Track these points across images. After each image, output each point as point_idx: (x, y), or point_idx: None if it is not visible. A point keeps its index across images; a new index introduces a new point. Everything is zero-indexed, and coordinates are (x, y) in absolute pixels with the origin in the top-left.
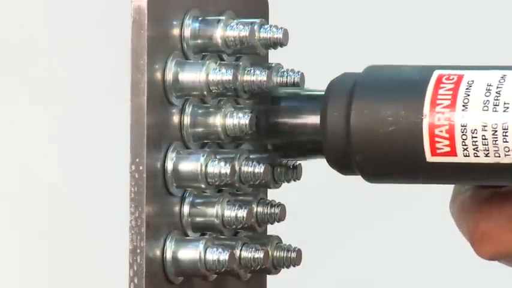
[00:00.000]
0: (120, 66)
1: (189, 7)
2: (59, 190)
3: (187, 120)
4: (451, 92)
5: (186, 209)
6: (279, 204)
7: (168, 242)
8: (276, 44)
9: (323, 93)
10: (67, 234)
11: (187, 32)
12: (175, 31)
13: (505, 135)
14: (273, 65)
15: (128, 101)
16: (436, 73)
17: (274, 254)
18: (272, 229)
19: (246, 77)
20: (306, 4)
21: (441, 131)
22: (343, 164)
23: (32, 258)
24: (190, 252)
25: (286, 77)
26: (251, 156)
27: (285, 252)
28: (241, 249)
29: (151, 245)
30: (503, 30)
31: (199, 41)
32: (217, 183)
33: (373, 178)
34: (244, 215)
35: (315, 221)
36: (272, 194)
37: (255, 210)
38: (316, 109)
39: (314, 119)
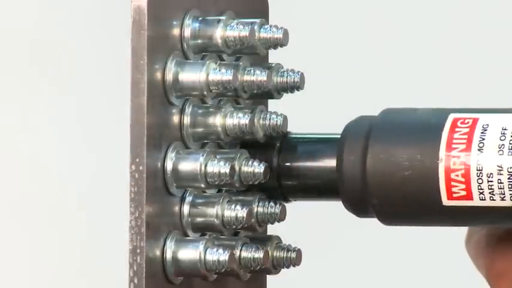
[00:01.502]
0: (120, 66)
1: (189, 7)
2: (59, 190)
3: (187, 120)
4: (466, 136)
5: (186, 209)
6: (279, 204)
7: (168, 242)
8: (276, 44)
9: (338, 136)
10: (67, 234)
11: (187, 32)
12: (175, 31)
13: None
14: (273, 65)
15: (128, 101)
16: (452, 117)
17: (274, 254)
18: (272, 229)
19: (246, 77)
20: (306, 4)
21: (457, 175)
22: (359, 207)
23: (32, 258)
24: (190, 253)
25: (286, 77)
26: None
27: (285, 252)
28: (241, 249)
29: (151, 245)
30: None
31: (199, 41)
32: (216, 182)
33: (389, 221)
34: (244, 215)
35: (315, 221)
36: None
37: (255, 210)
38: (332, 153)
39: (330, 163)
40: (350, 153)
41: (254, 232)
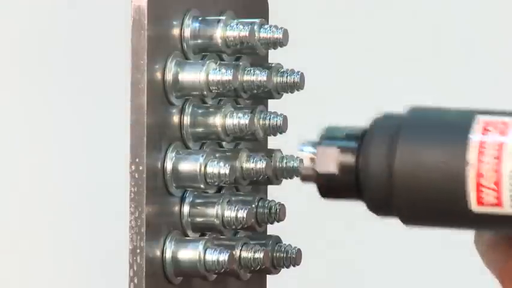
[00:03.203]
0: (120, 66)
1: (189, 7)
2: (59, 190)
3: (187, 120)
4: (498, 142)
5: (186, 209)
6: (279, 204)
7: (168, 242)
8: (276, 44)
9: (361, 132)
10: (67, 234)
11: (187, 32)
12: (175, 31)
13: None
14: (273, 65)
15: (128, 101)
16: (482, 120)
17: (274, 254)
18: (272, 229)
19: (246, 77)
20: (306, 4)
21: (488, 182)
22: (382, 206)
23: (32, 258)
24: (190, 253)
25: (286, 77)
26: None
27: (285, 252)
28: (241, 249)
29: (151, 245)
30: None
31: (199, 41)
32: (216, 183)
33: (411, 222)
34: (244, 216)
35: (315, 221)
36: (272, 194)
37: (255, 210)
38: (356, 149)
39: (352, 159)
40: (377, 152)
41: (254, 232)
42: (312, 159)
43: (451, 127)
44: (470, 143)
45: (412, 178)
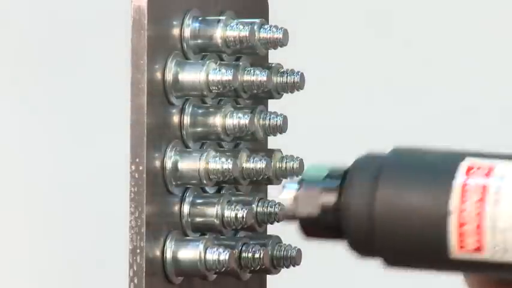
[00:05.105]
0: (120, 66)
1: (189, 7)
2: (59, 190)
3: (187, 120)
4: (481, 187)
5: (186, 208)
6: (279, 204)
7: (168, 242)
8: (276, 44)
9: (343, 172)
10: (67, 234)
11: (187, 32)
12: (175, 31)
13: None
14: (273, 65)
15: (128, 101)
16: (465, 163)
17: (274, 254)
18: (272, 229)
19: (246, 77)
20: (306, 4)
21: (469, 228)
22: (364, 248)
23: (32, 259)
24: (190, 252)
25: (286, 77)
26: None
27: (285, 252)
28: (241, 249)
29: (151, 245)
30: None
31: (199, 41)
32: (221, 179)
33: (394, 265)
34: (244, 215)
35: None
36: (272, 194)
37: (255, 210)
38: (337, 189)
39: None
40: (358, 194)
41: (254, 232)
42: (294, 201)
43: (433, 170)
44: (453, 189)
45: (393, 222)
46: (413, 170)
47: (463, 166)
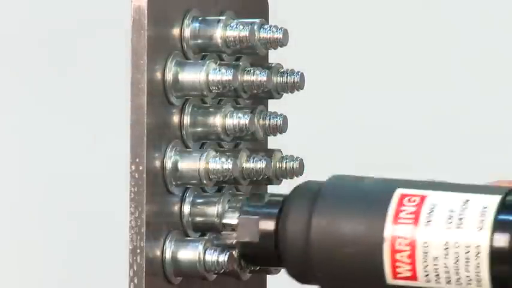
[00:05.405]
0: (120, 66)
1: (189, 7)
2: (59, 190)
3: (187, 120)
4: (413, 216)
5: (186, 208)
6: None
7: (167, 242)
8: (276, 44)
9: (283, 199)
10: (67, 234)
11: (187, 32)
12: (175, 31)
13: (467, 265)
14: (273, 65)
15: (128, 101)
16: (399, 192)
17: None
18: None
19: (246, 77)
20: (306, 4)
21: (402, 256)
22: (301, 275)
23: (32, 259)
24: (189, 253)
25: (286, 77)
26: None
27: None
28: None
29: (151, 245)
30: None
31: (199, 41)
32: (220, 179)
33: None
34: None
35: None
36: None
37: None
38: (275, 216)
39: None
40: (294, 222)
41: None
42: (234, 228)
43: (368, 199)
44: (387, 218)
45: (328, 249)
46: (349, 198)
47: (397, 195)
